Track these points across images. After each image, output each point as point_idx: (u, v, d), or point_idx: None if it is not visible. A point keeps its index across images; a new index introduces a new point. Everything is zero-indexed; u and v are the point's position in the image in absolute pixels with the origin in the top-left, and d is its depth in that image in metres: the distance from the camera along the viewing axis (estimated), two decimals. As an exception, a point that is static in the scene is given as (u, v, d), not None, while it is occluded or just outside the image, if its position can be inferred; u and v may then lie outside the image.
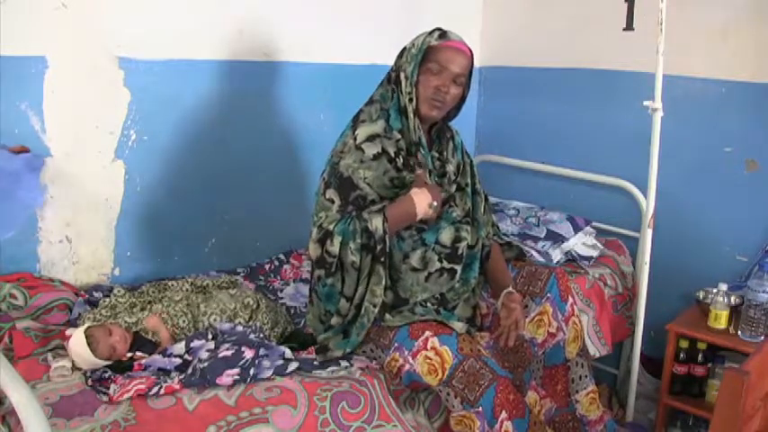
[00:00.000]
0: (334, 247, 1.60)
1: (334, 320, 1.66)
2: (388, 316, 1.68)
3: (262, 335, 1.69)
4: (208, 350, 1.53)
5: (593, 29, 2.52)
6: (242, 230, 2.31)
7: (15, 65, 1.75)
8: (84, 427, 1.30)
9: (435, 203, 1.66)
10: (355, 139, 1.67)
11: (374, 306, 1.62)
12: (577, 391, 1.83)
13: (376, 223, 1.60)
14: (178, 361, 1.53)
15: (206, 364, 1.47)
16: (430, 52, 1.64)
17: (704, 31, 2.24)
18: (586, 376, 1.84)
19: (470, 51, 1.69)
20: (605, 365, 2.47)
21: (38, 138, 1.83)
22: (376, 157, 1.65)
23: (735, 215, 2.28)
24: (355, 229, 1.59)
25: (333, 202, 1.64)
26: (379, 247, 1.60)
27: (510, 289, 1.77)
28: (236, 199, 2.28)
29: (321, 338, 1.68)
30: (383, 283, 1.62)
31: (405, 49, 1.70)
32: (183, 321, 1.71)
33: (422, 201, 1.64)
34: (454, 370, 1.54)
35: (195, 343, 1.58)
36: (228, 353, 1.50)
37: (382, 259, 1.61)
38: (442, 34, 1.66)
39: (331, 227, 1.61)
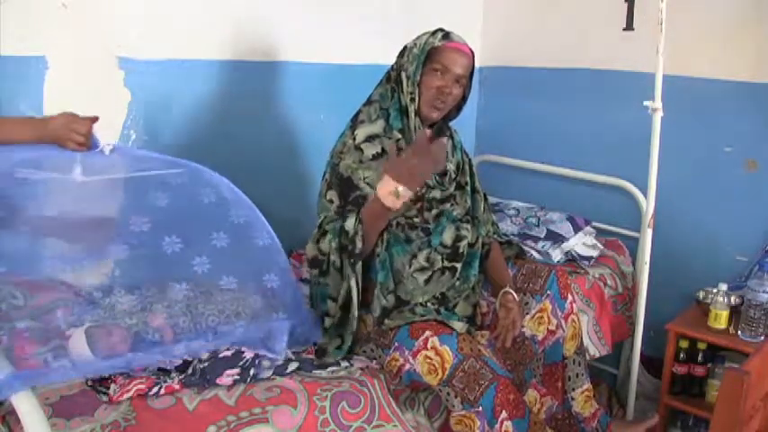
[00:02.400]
0: (325, 245, 1.60)
1: (327, 322, 1.66)
2: (387, 321, 1.68)
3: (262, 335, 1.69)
4: (208, 350, 1.52)
5: (593, 29, 2.52)
6: (242, 230, 2.30)
7: (15, 65, 1.75)
8: (84, 427, 1.30)
9: (401, 188, 1.45)
10: (354, 139, 1.67)
11: (373, 311, 1.61)
12: (573, 389, 1.84)
13: (349, 223, 1.57)
14: (178, 361, 1.53)
15: (206, 364, 1.47)
16: (433, 53, 1.64)
17: (704, 31, 2.24)
18: (582, 374, 1.85)
19: (472, 52, 1.69)
20: (605, 365, 2.47)
21: (38, 138, 1.83)
22: (375, 158, 1.65)
23: (735, 215, 2.28)
24: (336, 228, 1.59)
25: (332, 202, 1.65)
26: (349, 247, 1.56)
27: (507, 288, 1.77)
28: (236, 199, 2.27)
29: (320, 342, 1.67)
30: (358, 281, 1.59)
31: (406, 48, 1.70)
32: (183, 322, 1.71)
33: (383, 190, 1.48)
34: (454, 370, 1.54)
35: (196, 344, 1.57)
36: (228, 353, 1.50)
37: (352, 260, 1.57)
38: (445, 35, 1.66)
39: (328, 227, 1.62)
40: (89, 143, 1.44)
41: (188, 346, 1.47)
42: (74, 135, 1.41)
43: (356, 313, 1.61)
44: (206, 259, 1.46)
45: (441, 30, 1.68)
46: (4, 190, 1.31)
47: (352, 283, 1.59)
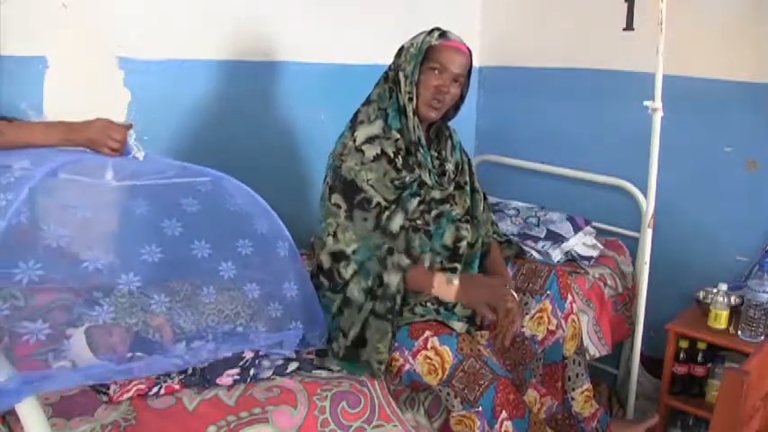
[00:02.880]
0: (347, 273, 1.61)
1: (335, 347, 1.65)
2: None
3: (262, 335, 1.69)
4: (208, 351, 1.52)
5: (593, 29, 2.52)
6: (242, 230, 2.30)
7: (15, 65, 1.75)
8: (84, 427, 1.30)
9: (456, 281, 1.65)
10: (354, 140, 1.67)
11: (380, 363, 1.58)
12: (573, 389, 1.83)
13: (393, 280, 1.59)
14: (179, 362, 1.53)
15: (206, 364, 1.47)
16: (430, 52, 1.64)
17: (704, 31, 2.24)
18: (582, 374, 1.84)
19: (469, 51, 1.69)
20: (605, 365, 2.47)
21: (38, 138, 1.83)
22: (375, 159, 1.65)
23: (735, 215, 2.28)
24: (371, 270, 1.60)
25: (339, 207, 1.64)
26: (389, 304, 1.59)
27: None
28: (236, 199, 2.27)
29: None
30: (389, 338, 1.59)
31: (403, 48, 1.70)
32: (184, 322, 1.71)
33: (442, 294, 1.65)
34: (454, 370, 1.54)
35: (195, 343, 1.57)
36: (228, 353, 1.49)
37: (390, 316, 1.59)
38: (442, 34, 1.66)
39: (349, 249, 1.61)
40: (123, 149, 1.47)
41: (195, 352, 1.47)
42: (110, 141, 1.44)
43: (382, 367, 1.58)
44: (232, 265, 1.49)
45: (437, 29, 1.68)
46: (50, 191, 1.34)
47: (389, 336, 1.59)
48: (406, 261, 1.65)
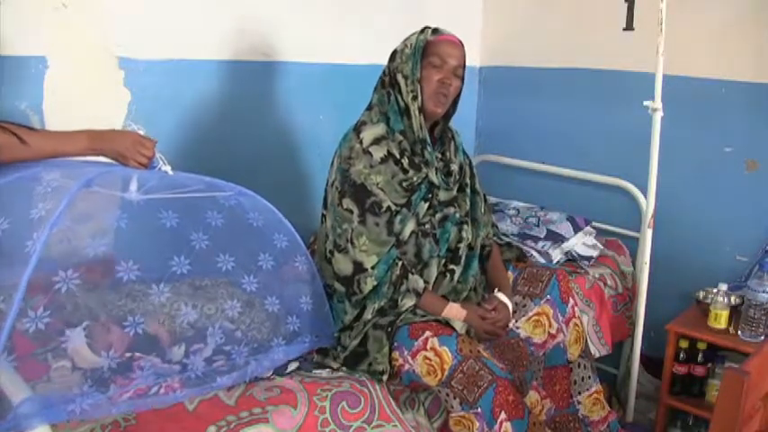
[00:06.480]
0: (366, 287, 1.61)
1: (339, 348, 1.67)
2: None
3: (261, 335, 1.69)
4: (205, 358, 1.51)
5: (593, 29, 2.52)
6: (242, 230, 2.30)
7: (15, 65, 1.74)
8: (84, 428, 1.30)
9: (460, 323, 1.68)
10: (361, 142, 1.66)
11: (380, 373, 1.60)
12: (580, 393, 1.83)
13: (406, 302, 1.63)
14: (177, 368, 1.52)
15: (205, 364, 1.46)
16: (428, 48, 1.64)
17: (704, 31, 2.24)
18: (590, 377, 1.84)
19: (462, 44, 1.70)
20: (605, 365, 2.47)
21: (38, 138, 1.82)
22: (383, 161, 1.65)
23: (735, 215, 2.28)
24: (385, 293, 1.62)
25: (351, 212, 1.63)
26: (390, 318, 1.63)
27: (495, 293, 1.77)
28: (236, 199, 2.27)
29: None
30: (385, 349, 1.62)
31: (396, 51, 1.70)
32: (184, 322, 1.70)
33: (452, 312, 1.68)
34: (453, 371, 1.54)
35: (194, 347, 1.57)
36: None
37: (389, 330, 1.62)
38: (434, 30, 1.67)
39: (368, 263, 1.61)
40: (150, 163, 1.48)
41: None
42: (139, 156, 1.45)
43: (384, 377, 1.61)
44: (253, 279, 1.51)
45: (428, 27, 1.68)
46: (76, 202, 1.34)
47: (385, 349, 1.62)
48: (421, 285, 1.66)
